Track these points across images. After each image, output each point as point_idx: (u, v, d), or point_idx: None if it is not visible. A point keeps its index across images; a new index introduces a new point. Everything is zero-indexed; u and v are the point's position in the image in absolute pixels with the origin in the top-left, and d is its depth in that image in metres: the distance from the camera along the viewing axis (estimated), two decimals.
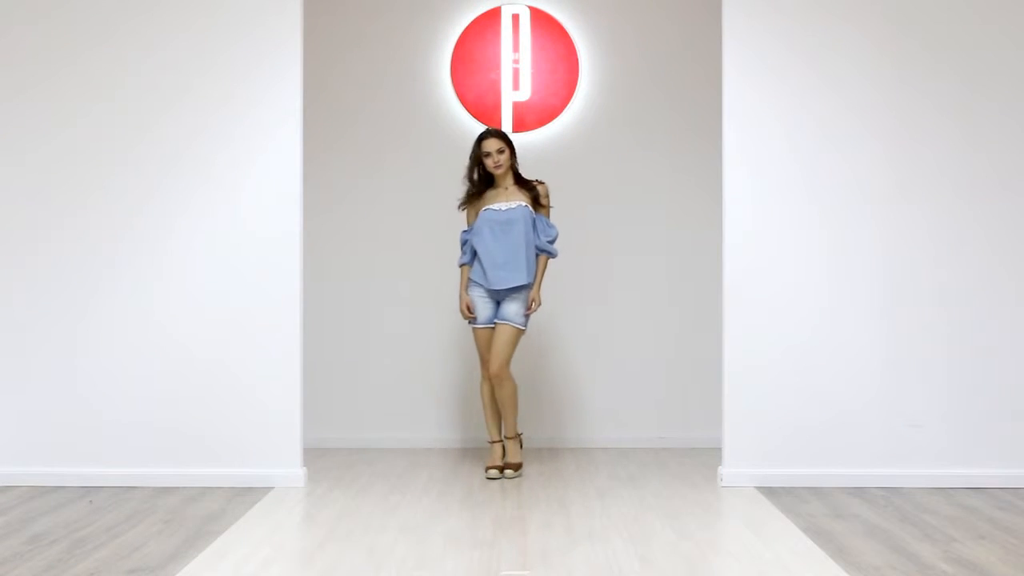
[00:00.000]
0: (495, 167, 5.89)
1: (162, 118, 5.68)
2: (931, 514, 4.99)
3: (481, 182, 5.97)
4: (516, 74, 6.99)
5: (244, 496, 5.35)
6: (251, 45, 5.68)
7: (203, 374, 5.62)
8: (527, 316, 5.94)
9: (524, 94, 6.96)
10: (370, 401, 6.99)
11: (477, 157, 5.93)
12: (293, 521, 5.02)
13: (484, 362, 5.96)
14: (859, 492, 5.45)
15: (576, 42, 7.02)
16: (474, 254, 5.97)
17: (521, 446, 6.12)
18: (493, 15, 7.02)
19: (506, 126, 6.96)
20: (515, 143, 6.17)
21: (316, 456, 6.28)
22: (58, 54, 5.70)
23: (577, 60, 7.00)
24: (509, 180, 5.96)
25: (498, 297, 5.93)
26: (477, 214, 5.96)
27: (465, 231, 6.03)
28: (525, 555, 4.27)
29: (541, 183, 5.99)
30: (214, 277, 5.64)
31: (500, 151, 5.89)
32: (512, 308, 5.88)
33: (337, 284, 6.95)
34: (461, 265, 6.03)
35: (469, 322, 5.98)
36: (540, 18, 7.01)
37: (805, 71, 5.69)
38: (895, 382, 5.65)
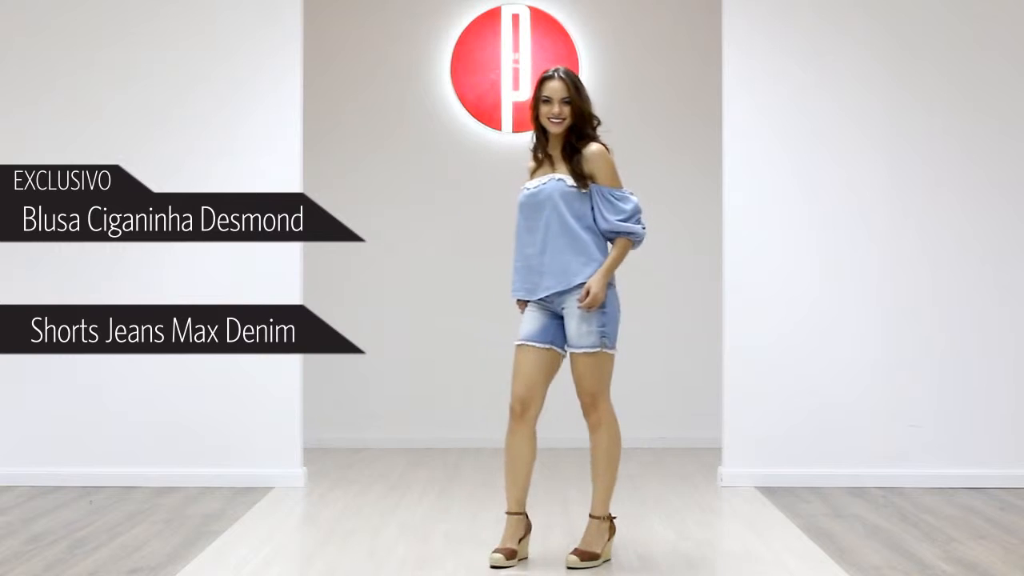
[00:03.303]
0: (553, 120, 4.17)
1: (161, 123, 5.69)
2: (931, 514, 4.99)
3: (540, 144, 4.28)
4: (516, 74, 6.98)
5: (244, 496, 5.35)
6: (251, 48, 5.69)
7: (203, 374, 5.62)
8: (602, 329, 4.14)
9: (524, 94, 6.96)
10: (370, 401, 6.99)
11: (537, 107, 4.23)
12: (293, 521, 5.02)
13: (516, 395, 4.18)
14: (859, 492, 5.45)
15: (576, 42, 7.02)
16: None
17: (611, 535, 4.28)
18: (493, 15, 7.02)
19: (506, 126, 6.96)
20: (525, 138, 4.80)
21: (316, 456, 6.27)
22: (61, 58, 5.71)
23: (577, 60, 7.00)
24: (559, 146, 4.24)
25: (553, 308, 4.22)
26: None
27: None
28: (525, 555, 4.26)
29: (590, 143, 4.20)
30: (214, 277, 5.64)
31: (565, 101, 4.17)
32: (573, 327, 4.15)
33: (337, 284, 6.94)
34: None
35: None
36: (540, 18, 7.01)
37: (804, 78, 5.71)
38: (895, 383, 5.66)
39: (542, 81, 4.22)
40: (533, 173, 4.30)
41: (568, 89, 4.17)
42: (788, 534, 4.64)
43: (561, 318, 4.19)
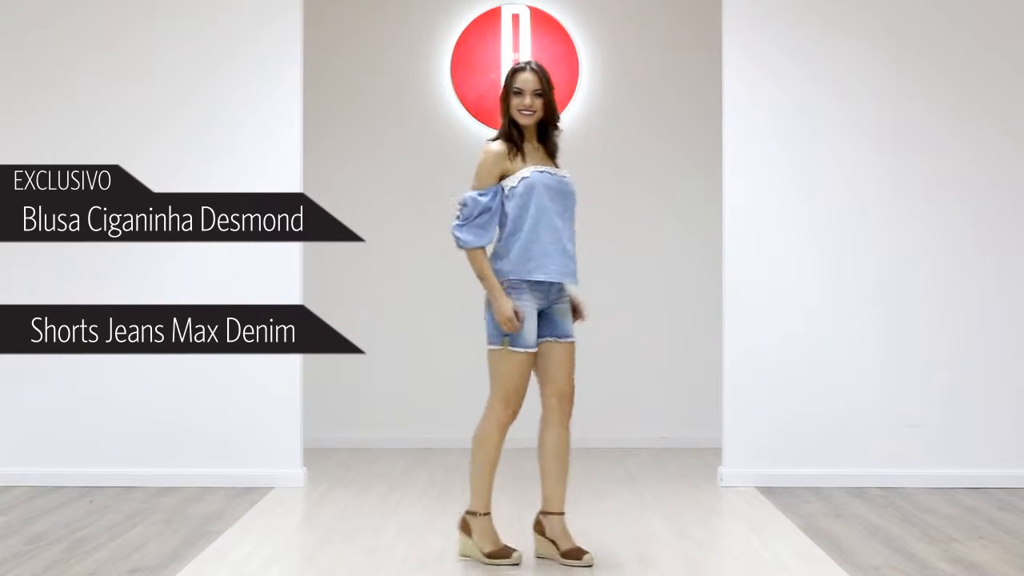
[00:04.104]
0: (523, 112, 4.14)
1: (161, 123, 5.70)
2: (931, 514, 4.99)
3: (516, 135, 4.20)
4: None
5: (244, 496, 5.35)
6: (251, 48, 5.69)
7: (203, 374, 5.62)
8: None
9: None
10: (370, 401, 6.99)
11: (507, 97, 4.19)
12: (293, 521, 5.02)
13: (514, 399, 4.22)
14: (859, 492, 5.45)
15: (576, 42, 7.02)
16: (499, 232, 4.22)
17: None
18: (493, 15, 7.02)
19: None
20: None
21: (316, 456, 6.27)
22: (62, 57, 5.71)
23: (577, 60, 7.00)
24: (535, 138, 4.24)
25: (544, 303, 4.24)
26: (500, 176, 4.16)
27: (482, 193, 4.17)
28: (525, 555, 4.26)
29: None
30: (214, 277, 5.64)
31: (537, 93, 4.14)
32: (570, 318, 4.31)
33: (337, 284, 6.94)
34: (477, 248, 4.16)
35: (507, 343, 4.19)
36: (540, 18, 7.01)
37: (804, 77, 5.72)
38: (895, 382, 5.66)
39: (513, 72, 4.19)
40: (510, 157, 4.16)
41: (540, 82, 4.15)
42: (788, 534, 4.64)
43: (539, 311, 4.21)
